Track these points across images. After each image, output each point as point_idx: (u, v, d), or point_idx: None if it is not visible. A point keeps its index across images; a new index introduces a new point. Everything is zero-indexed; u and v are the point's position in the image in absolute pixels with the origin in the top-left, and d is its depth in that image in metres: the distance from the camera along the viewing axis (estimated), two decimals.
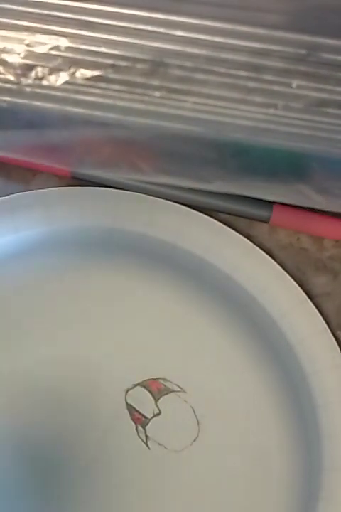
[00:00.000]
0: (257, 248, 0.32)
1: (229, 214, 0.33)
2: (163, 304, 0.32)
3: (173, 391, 0.32)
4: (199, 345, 0.32)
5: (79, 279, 0.31)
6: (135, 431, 0.32)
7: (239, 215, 0.33)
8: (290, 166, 0.27)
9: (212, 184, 0.28)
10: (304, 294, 0.32)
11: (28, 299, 0.31)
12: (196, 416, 0.32)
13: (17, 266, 0.32)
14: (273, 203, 0.32)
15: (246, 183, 0.28)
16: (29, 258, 0.32)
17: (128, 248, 0.32)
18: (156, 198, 0.32)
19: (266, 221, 0.33)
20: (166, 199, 0.32)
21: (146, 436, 0.32)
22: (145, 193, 0.32)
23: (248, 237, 0.33)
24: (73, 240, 0.32)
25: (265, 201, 0.32)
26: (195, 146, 0.27)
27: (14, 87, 0.26)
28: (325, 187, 0.27)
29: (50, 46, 0.26)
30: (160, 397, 0.32)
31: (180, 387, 0.32)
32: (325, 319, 0.34)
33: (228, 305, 0.32)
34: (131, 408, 0.32)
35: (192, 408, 0.32)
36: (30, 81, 0.26)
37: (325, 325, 0.32)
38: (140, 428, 0.32)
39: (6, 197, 0.32)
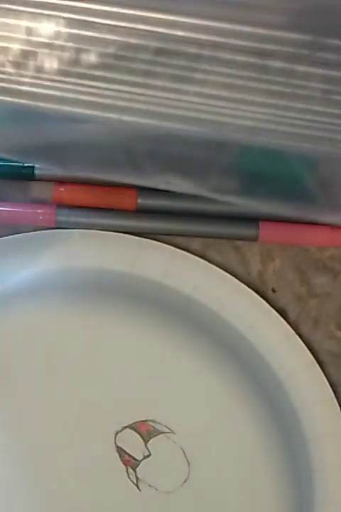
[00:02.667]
0: (243, 285, 0.33)
1: (216, 238, 0.33)
2: (151, 345, 0.32)
3: (163, 432, 0.31)
4: (187, 386, 0.32)
5: (66, 323, 0.31)
6: (125, 473, 0.31)
7: (227, 238, 0.33)
8: (290, 166, 0.27)
9: (210, 186, 0.28)
10: (291, 330, 0.33)
11: (14, 343, 0.31)
12: (186, 457, 0.32)
13: (3, 311, 0.32)
14: (259, 220, 0.33)
15: (245, 186, 0.27)
16: (14, 303, 0.32)
17: (116, 289, 0.32)
18: (141, 238, 0.32)
19: (254, 239, 0.33)
20: (152, 233, 0.33)
21: (137, 478, 0.31)
22: (129, 234, 0.32)
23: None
24: (59, 283, 0.32)
25: (251, 220, 0.32)
26: (194, 147, 0.27)
27: (13, 86, 0.26)
28: (325, 190, 0.27)
29: (49, 46, 0.26)
30: (150, 438, 0.31)
31: (170, 429, 0.31)
32: (325, 319, 0.34)
33: (216, 344, 0.32)
34: (121, 450, 0.31)
35: (182, 449, 0.31)
36: (29, 80, 0.26)
37: (313, 359, 0.33)
38: (130, 470, 0.31)
39: None
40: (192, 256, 0.33)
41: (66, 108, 0.26)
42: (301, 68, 0.25)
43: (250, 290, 0.33)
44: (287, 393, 0.32)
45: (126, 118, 0.26)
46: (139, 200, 0.33)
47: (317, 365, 0.32)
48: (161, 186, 0.29)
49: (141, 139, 0.27)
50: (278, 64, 0.25)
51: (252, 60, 0.25)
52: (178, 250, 0.33)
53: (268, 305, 0.32)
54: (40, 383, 0.31)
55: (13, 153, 0.28)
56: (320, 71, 0.25)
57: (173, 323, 0.32)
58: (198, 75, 0.26)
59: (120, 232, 0.32)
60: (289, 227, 0.33)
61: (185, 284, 0.32)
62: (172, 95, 0.26)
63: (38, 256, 0.32)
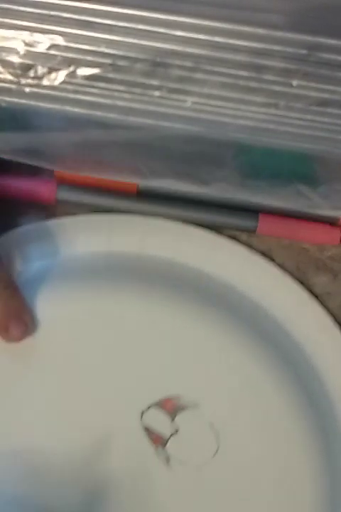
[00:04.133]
0: (252, 255, 0.33)
1: (215, 227, 0.33)
2: (172, 321, 0.31)
3: (188, 407, 0.31)
4: (208, 358, 0.31)
5: (86, 305, 0.31)
6: (155, 452, 0.31)
7: (226, 227, 0.33)
8: (290, 166, 0.27)
9: (210, 186, 0.28)
10: (306, 293, 0.32)
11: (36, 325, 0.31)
12: (213, 430, 0.31)
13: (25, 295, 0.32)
14: (259, 212, 0.33)
15: (245, 185, 0.28)
16: (36, 286, 0.32)
17: (128, 270, 0.32)
18: (150, 219, 0.32)
19: (252, 231, 0.33)
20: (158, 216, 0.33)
21: (167, 456, 0.31)
22: (137, 214, 0.32)
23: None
24: (76, 267, 0.32)
25: (251, 211, 0.32)
26: (194, 147, 0.27)
27: (14, 86, 0.26)
28: (324, 188, 0.27)
29: (49, 46, 0.26)
30: (176, 415, 0.31)
31: (195, 403, 0.31)
32: None
33: (232, 315, 0.32)
34: (148, 430, 0.31)
35: (209, 422, 0.31)
36: (29, 80, 0.26)
37: (334, 323, 0.32)
38: (160, 448, 0.32)
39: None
40: (202, 231, 0.32)
41: (67, 108, 0.26)
42: (301, 68, 0.25)
43: (258, 257, 0.33)
44: (309, 357, 0.32)
45: (126, 118, 0.26)
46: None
47: (337, 329, 0.32)
48: (162, 185, 0.29)
49: (141, 138, 0.27)
50: (278, 64, 0.25)
51: (252, 60, 0.25)
52: (188, 226, 0.32)
53: (279, 271, 0.33)
54: (63, 370, 0.31)
55: (13, 154, 0.28)
56: (319, 71, 0.25)
57: (188, 298, 0.32)
58: (198, 75, 0.26)
59: (120, 212, 0.32)
60: (288, 221, 0.33)
61: (200, 262, 0.32)
62: (173, 95, 0.26)
63: (52, 245, 0.32)
